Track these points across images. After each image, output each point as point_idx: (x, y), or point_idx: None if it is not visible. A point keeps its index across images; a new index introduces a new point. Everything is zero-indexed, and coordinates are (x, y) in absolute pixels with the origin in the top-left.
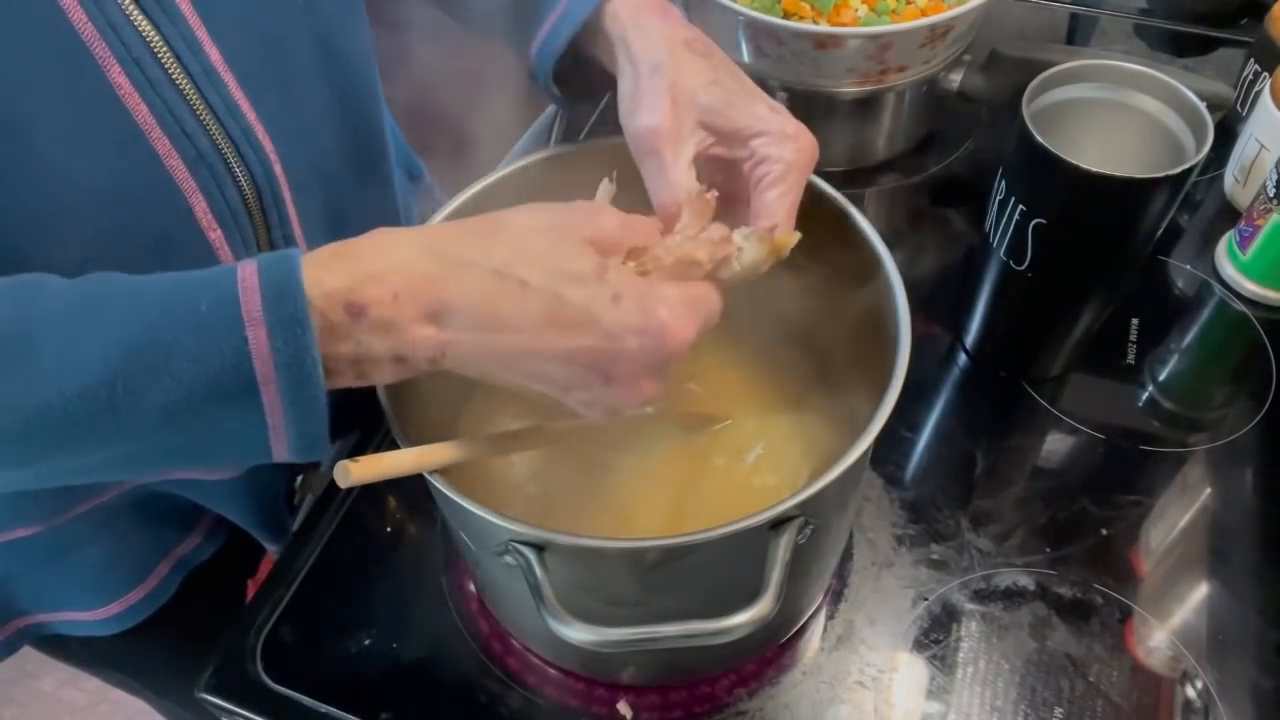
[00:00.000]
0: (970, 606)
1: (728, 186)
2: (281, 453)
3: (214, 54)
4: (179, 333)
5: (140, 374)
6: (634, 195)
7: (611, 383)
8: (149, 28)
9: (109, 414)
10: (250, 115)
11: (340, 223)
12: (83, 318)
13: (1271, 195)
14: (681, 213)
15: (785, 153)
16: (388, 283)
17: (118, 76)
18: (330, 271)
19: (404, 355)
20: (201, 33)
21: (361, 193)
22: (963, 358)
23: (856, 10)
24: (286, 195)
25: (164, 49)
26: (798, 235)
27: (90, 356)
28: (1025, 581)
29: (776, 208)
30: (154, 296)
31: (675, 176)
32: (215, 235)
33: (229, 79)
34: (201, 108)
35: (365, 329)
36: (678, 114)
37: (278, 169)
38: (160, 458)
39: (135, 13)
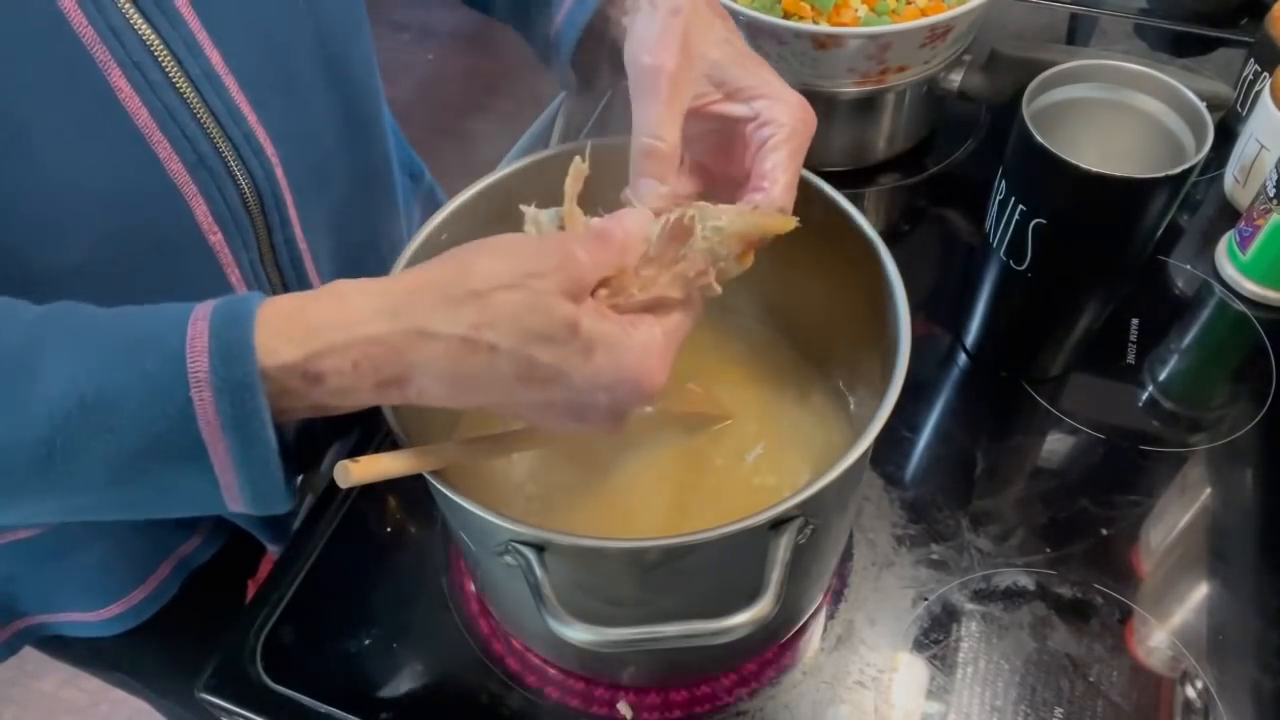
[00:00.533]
0: (970, 606)
1: (724, 166)
2: (237, 506)
3: (214, 57)
4: (123, 390)
5: (82, 431)
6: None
7: (581, 422)
8: (149, 31)
9: (49, 469)
10: (251, 118)
11: (341, 224)
12: (26, 367)
13: (1271, 195)
14: (656, 165)
15: (788, 117)
16: (347, 354)
17: (118, 80)
18: (286, 340)
19: (364, 405)
20: (202, 36)
21: (363, 195)
22: (963, 358)
23: (856, 10)
24: (288, 198)
25: (164, 52)
26: (794, 221)
27: (31, 410)
28: (1025, 581)
29: (778, 176)
30: (102, 348)
31: (667, 115)
32: (216, 238)
33: (229, 82)
34: (202, 111)
35: (323, 393)
36: (687, 61)
37: (279, 172)
38: (108, 510)
39: (135, 16)
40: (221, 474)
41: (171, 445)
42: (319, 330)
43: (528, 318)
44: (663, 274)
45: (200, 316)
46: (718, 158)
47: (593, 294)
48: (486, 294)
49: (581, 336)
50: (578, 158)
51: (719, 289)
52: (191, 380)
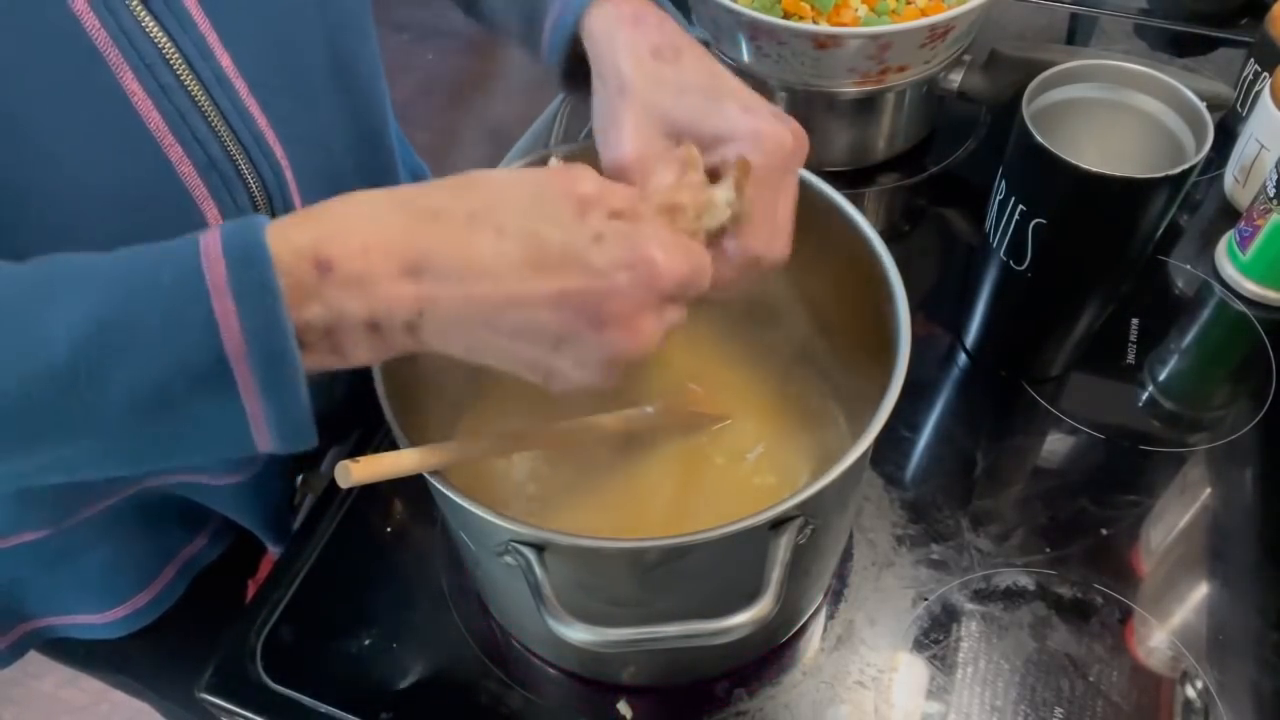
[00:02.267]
0: (970, 606)
1: None
2: (264, 439)
3: (225, 60)
4: (142, 309)
5: (104, 355)
6: None
7: (604, 327)
8: (161, 34)
9: (74, 400)
10: (261, 121)
11: None
12: (39, 298)
13: (1271, 195)
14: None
15: (756, 155)
16: (357, 235)
17: (130, 83)
18: (297, 228)
19: (379, 319)
20: (213, 38)
21: None
22: (963, 358)
23: (856, 10)
24: (296, 201)
25: (175, 55)
26: (783, 250)
27: (51, 339)
28: (1025, 581)
29: (758, 208)
30: (114, 272)
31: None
32: None
33: (240, 85)
34: (213, 114)
35: (335, 286)
36: (645, 140)
37: (288, 174)
38: (136, 451)
39: (147, 19)
40: (247, 396)
41: (195, 363)
42: (329, 214)
43: (533, 204)
44: (668, 190)
45: (211, 231)
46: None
47: None
48: (494, 188)
49: (590, 223)
50: (553, 156)
51: (728, 215)
52: (211, 290)
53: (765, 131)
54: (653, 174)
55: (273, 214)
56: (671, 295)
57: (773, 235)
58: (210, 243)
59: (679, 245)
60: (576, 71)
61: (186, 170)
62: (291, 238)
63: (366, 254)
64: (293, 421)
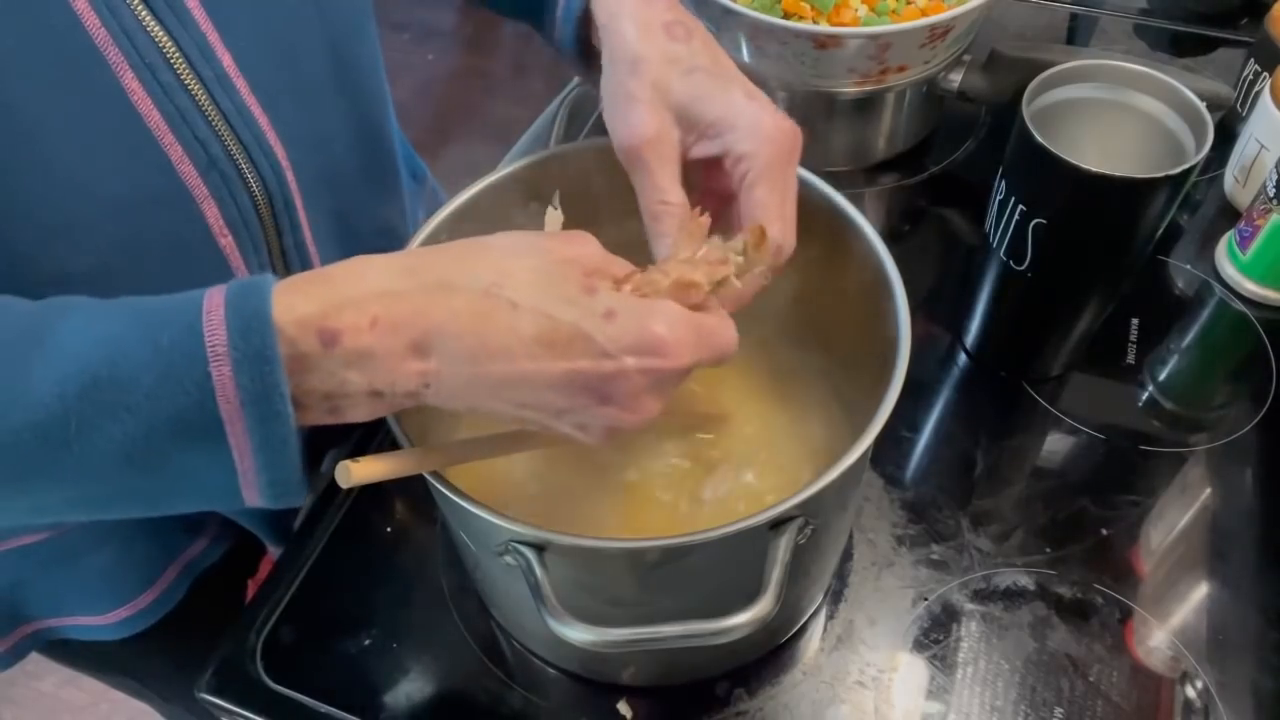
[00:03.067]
0: (970, 606)
1: (720, 183)
2: (253, 497)
3: (226, 60)
4: (138, 367)
5: (96, 410)
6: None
7: (608, 404)
8: (162, 33)
9: (63, 451)
10: (262, 121)
11: (349, 228)
12: (34, 348)
13: (1271, 195)
14: (670, 223)
15: (759, 147)
16: (366, 309)
17: (130, 82)
18: (303, 296)
19: (381, 390)
20: (214, 38)
21: (370, 198)
22: (963, 358)
23: (856, 10)
24: (298, 201)
25: (176, 55)
26: (791, 243)
27: (42, 390)
28: (1025, 581)
29: (768, 203)
30: (113, 327)
31: (660, 180)
32: (226, 241)
33: (241, 85)
34: (214, 114)
35: (338, 360)
36: (659, 117)
37: (289, 175)
38: (122, 501)
39: (148, 18)
40: (239, 455)
41: (189, 424)
42: (337, 285)
43: (545, 280)
44: (681, 266)
45: (215, 291)
46: (714, 182)
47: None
48: (502, 259)
49: (600, 300)
50: (551, 207)
51: (739, 284)
52: (210, 354)
53: (769, 121)
54: (667, 156)
55: (274, 214)
56: (678, 375)
57: (783, 230)
58: (213, 306)
59: (694, 327)
60: (588, 52)
61: (187, 170)
62: (297, 307)
63: (375, 327)
64: (283, 481)
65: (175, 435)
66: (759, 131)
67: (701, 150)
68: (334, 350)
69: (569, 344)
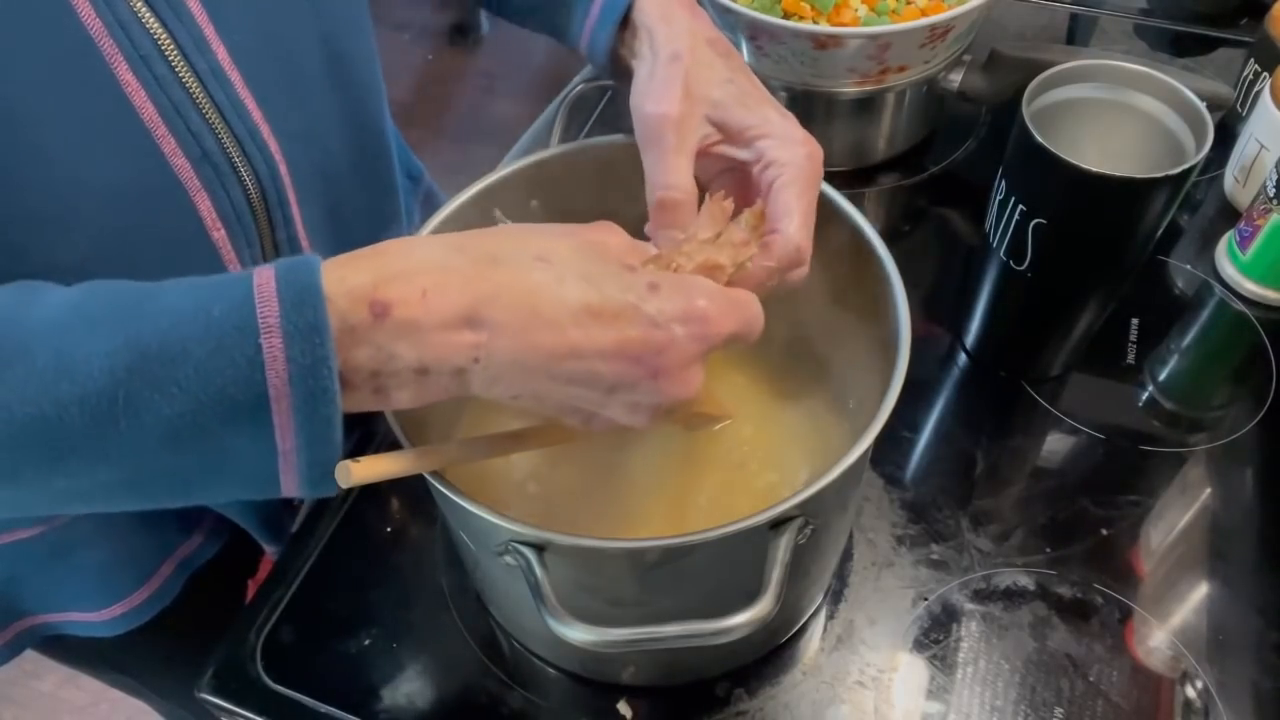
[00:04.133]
0: (970, 606)
1: (742, 202)
2: (290, 482)
3: (221, 53)
4: (188, 340)
5: (145, 384)
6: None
7: (658, 377)
8: (157, 25)
9: (109, 426)
10: (256, 115)
11: (342, 224)
12: (84, 322)
13: (1271, 195)
14: (677, 213)
15: (794, 157)
16: (416, 280)
17: (125, 74)
18: (353, 269)
19: (429, 365)
20: (209, 31)
21: (364, 194)
22: (963, 358)
23: (856, 10)
24: (291, 196)
25: (171, 47)
26: (809, 249)
27: (91, 363)
28: (1025, 581)
29: (794, 207)
30: (162, 301)
31: (676, 164)
32: (219, 235)
33: (235, 78)
34: (208, 107)
35: (389, 332)
36: (689, 105)
37: (282, 169)
38: (159, 483)
39: (144, 10)
40: (281, 432)
41: (235, 400)
42: (389, 258)
43: (588, 258)
44: (706, 247)
45: (265, 268)
46: (734, 194)
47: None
48: (547, 239)
49: (641, 274)
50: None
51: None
52: (261, 326)
53: (801, 136)
54: (686, 140)
55: (267, 209)
56: (719, 347)
57: (804, 233)
58: (264, 280)
59: (730, 300)
60: (616, 61)
61: (180, 163)
62: (348, 279)
63: (425, 298)
64: (323, 463)
65: (221, 412)
66: (793, 144)
67: (731, 152)
68: (385, 322)
69: (617, 315)
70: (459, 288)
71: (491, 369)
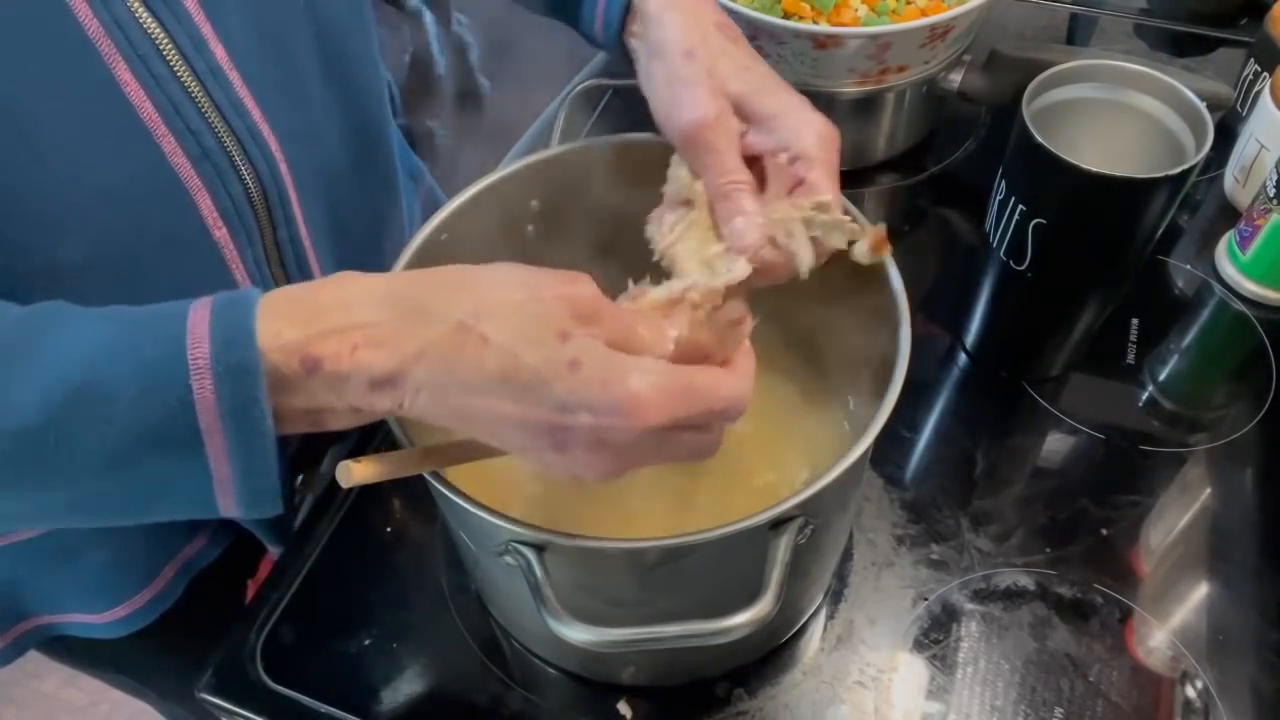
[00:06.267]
0: (970, 606)
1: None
2: (229, 506)
3: (219, 52)
4: (120, 379)
5: (78, 420)
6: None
7: (564, 453)
8: (155, 25)
9: (44, 457)
10: (255, 113)
11: (344, 221)
12: (19, 357)
13: (1271, 195)
14: (746, 200)
15: (815, 137)
16: (348, 336)
17: (123, 73)
18: (288, 322)
19: (360, 409)
20: (207, 30)
21: (365, 193)
22: (963, 358)
23: (856, 10)
24: (291, 194)
25: (169, 46)
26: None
27: (26, 397)
28: (1025, 581)
29: (825, 185)
30: (97, 337)
31: (731, 164)
32: (220, 233)
33: (234, 77)
34: (207, 105)
35: (320, 384)
36: (719, 101)
37: (283, 167)
38: (100, 508)
39: (141, 10)
40: (216, 466)
41: (168, 436)
42: (322, 312)
43: (521, 317)
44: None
45: (200, 305)
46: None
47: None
48: (487, 290)
49: (570, 348)
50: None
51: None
52: (192, 368)
53: (820, 120)
54: (732, 140)
55: (267, 207)
56: (644, 437)
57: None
58: (197, 320)
59: (665, 391)
60: (622, 44)
61: (180, 161)
62: (283, 333)
63: (354, 355)
64: (258, 488)
65: (153, 446)
66: (815, 130)
67: (753, 142)
68: (315, 375)
69: (526, 388)
70: (388, 345)
71: (417, 414)
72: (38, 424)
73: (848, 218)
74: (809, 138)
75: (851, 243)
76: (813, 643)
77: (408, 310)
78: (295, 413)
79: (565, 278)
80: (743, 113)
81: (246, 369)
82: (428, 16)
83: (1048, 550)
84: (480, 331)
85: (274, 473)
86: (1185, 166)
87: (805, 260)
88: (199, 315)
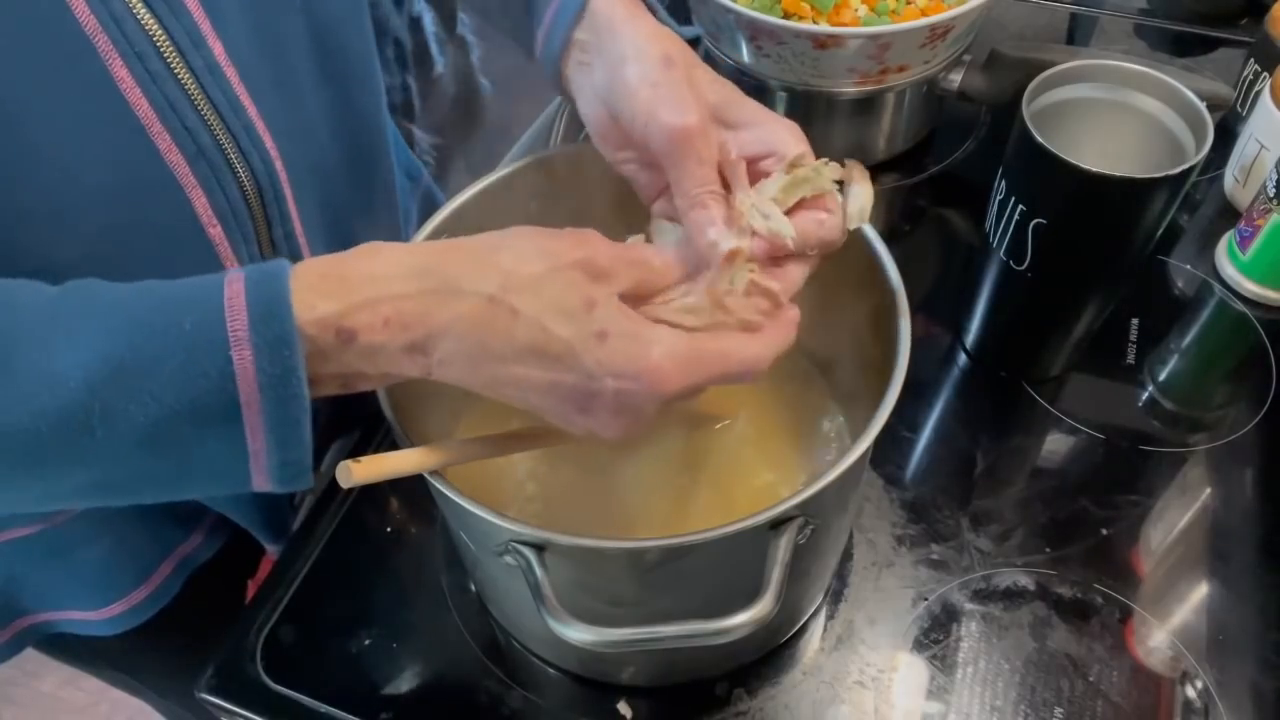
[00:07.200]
0: (970, 606)
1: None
2: (262, 480)
3: (217, 49)
4: (162, 352)
5: (119, 394)
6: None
7: (586, 414)
8: (152, 22)
9: (85, 435)
10: (252, 111)
11: (340, 220)
12: (61, 334)
13: (1271, 195)
14: (719, 209)
15: (793, 141)
16: (379, 309)
17: (119, 70)
18: (321, 295)
19: (390, 374)
20: (206, 26)
21: (362, 192)
22: (963, 358)
23: (856, 10)
24: (287, 192)
25: (167, 43)
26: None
27: (68, 376)
28: (1025, 581)
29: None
30: (136, 313)
31: (711, 174)
32: (215, 231)
33: (231, 74)
34: (203, 103)
35: (353, 353)
36: (702, 108)
37: (278, 165)
38: (133, 485)
39: (139, 6)
40: (252, 437)
41: (207, 408)
42: (354, 285)
43: (549, 287)
44: (707, 307)
45: (234, 278)
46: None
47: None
48: (513, 263)
49: (597, 318)
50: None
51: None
52: (231, 339)
53: (792, 125)
54: (712, 150)
55: (263, 205)
56: (659, 400)
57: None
58: (234, 292)
59: (686, 357)
60: (566, 60)
61: (175, 159)
62: (316, 306)
63: (387, 326)
64: (293, 463)
65: (193, 419)
66: (794, 134)
67: (739, 145)
68: (350, 346)
69: (557, 358)
70: (416, 318)
71: (446, 378)
72: (82, 400)
73: (823, 160)
74: (791, 142)
75: (840, 184)
76: (813, 643)
77: (438, 284)
78: (328, 378)
79: (578, 240)
80: (719, 121)
81: (285, 340)
82: (428, 16)
83: (1048, 550)
84: (510, 304)
85: (307, 444)
86: (1185, 166)
87: (787, 230)
88: (235, 289)
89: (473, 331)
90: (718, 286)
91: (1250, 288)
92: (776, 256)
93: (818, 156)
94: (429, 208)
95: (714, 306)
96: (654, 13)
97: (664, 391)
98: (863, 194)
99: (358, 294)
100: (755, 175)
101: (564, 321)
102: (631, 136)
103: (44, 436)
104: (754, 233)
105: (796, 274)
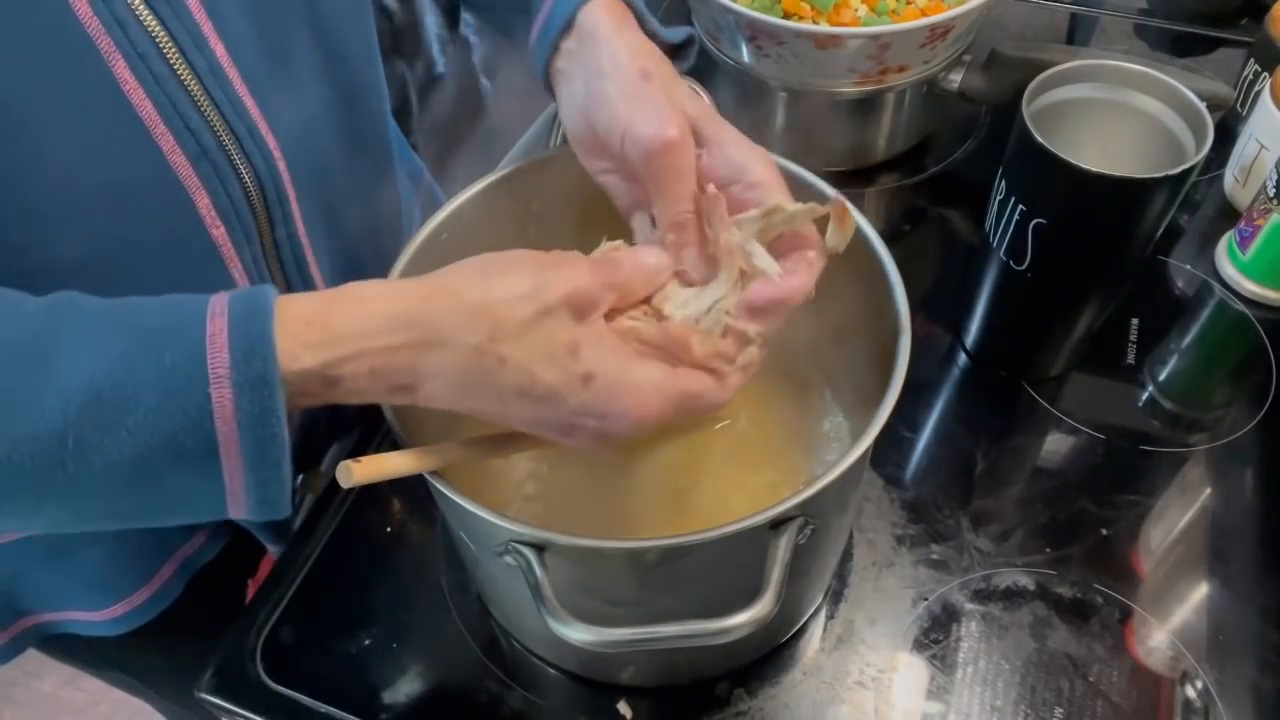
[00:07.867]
0: (970, 606)
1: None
2: (239, 512)
3: (219, 50)
4: (140, 386)
5: (95, 427)
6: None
7: (568, 438)
8: (155, 23)
9: (58, 468)
10: (254, 111)
11: (342, 220)
12: (39, 361)
13: (1271, 195)
14: (693, 233)
15: (770, 158)
16: (365, 360)
17: (122, 71)
18: (305, 346)
19: (376, 403)
20: (208, 27)
21: (364, 192)
22: (963, 358)
23: (856, 10)
24: (290, 192)
25: (169, 44)
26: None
27: (46, 405)
28: (1025, 581)
29: (774, 195)
30: (117, 343)
31: (687, 193)
32: (219, 232)
33: (233, 75)
34: (206, 104)
35: (337, 394)
36: (682, 123)
37: (281, 165)
38: (107, 517)
39: (141, 8)
40: (229, 475)
41: (184, 444)
42: (338, 338)
43: (535, 334)
44: (694, 332)
45: (218, 311)
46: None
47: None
48: (499, 307)
49: (582, 361)
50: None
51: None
52: (211, 376)
53: (763, 150)
54: (690, 165)
55: (266, 206)
56: (636, 434)
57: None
58: (216, 328)
59: (660, 395)
60: (554, 68)
61: (178, 160)
62: (301, 358)
63: (373, 375)
64: (270, 495)
65: (169, 456)
66: (765, 159)
67: (709, 167)
68: (334, 389)
69: (542, 400)
70: (404, 368)
71: (430, 405)
72: (58, 430)
73: (801, 205)
74: (761, 167)
75: (821, 224)
76: (813, 643)
77: (423, 335)
78: (309, 406)
79: (563, 273)
80: (695, 136)
81: (266, 380)
82: (429, 16)
83: (1048, 550)
84: (498, 353)
85: (286, 480)
86: (1185, 166)
87: (773, 269)
88: (217, 324)
89: (460, 377)
90: (688, 330)
91: (1250, 288)
92: (757, 308)
93: (818, 156)
94: (431, 207)
95: (679, 347)
96: (643, 22)
97: (642, 428)
98: (843, 233)
99: (342, 348)
100: (706, 202)
101: (550, 367)
102: (610, 148)
103: (18, 465)
104: (742, 271)
105: (775, 319)
